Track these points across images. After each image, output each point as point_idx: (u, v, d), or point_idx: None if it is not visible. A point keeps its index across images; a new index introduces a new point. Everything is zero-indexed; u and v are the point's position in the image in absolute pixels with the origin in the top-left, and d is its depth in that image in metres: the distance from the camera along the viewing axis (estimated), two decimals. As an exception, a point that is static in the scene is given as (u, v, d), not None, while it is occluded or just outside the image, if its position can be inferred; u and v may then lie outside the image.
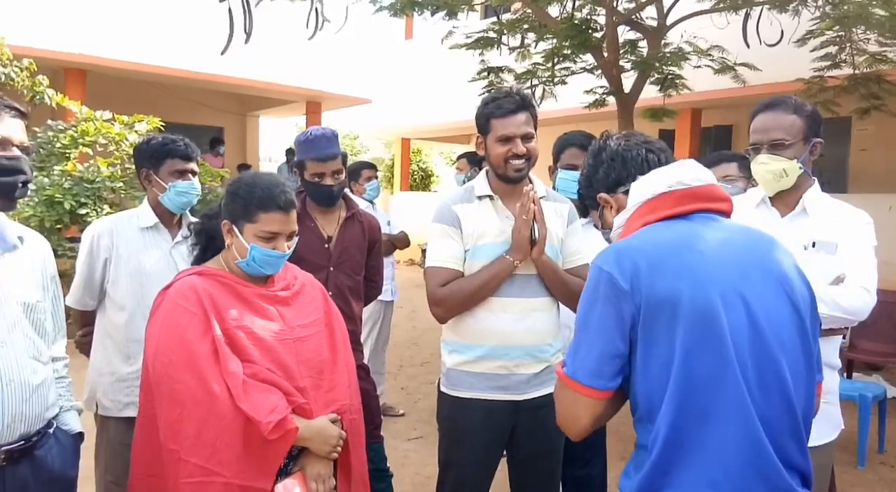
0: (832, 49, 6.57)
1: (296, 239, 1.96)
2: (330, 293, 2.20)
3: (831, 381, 2.17)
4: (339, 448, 1.88)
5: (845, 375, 5.57)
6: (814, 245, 2.11)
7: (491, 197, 2.35)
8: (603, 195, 1.57)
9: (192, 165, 2.61)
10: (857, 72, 6.63)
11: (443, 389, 2.39)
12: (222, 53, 7.34)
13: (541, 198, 2.33)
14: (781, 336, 1.29)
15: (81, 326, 2.65)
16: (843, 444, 4.39)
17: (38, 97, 7.09)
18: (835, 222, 2.14)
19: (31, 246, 1.75)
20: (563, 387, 1.39)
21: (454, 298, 2.27)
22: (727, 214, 1.44)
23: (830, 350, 2.16)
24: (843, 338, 5.70)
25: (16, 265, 1.66)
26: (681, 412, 1.25)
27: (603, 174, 1.56)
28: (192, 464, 1.69)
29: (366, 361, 4.49)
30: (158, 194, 2.56)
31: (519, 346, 2.27)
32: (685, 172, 1.42)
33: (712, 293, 1.26)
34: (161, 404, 1.73)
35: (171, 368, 1.71)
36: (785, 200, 2.20)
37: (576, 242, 2.41)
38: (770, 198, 2.24)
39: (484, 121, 2.32)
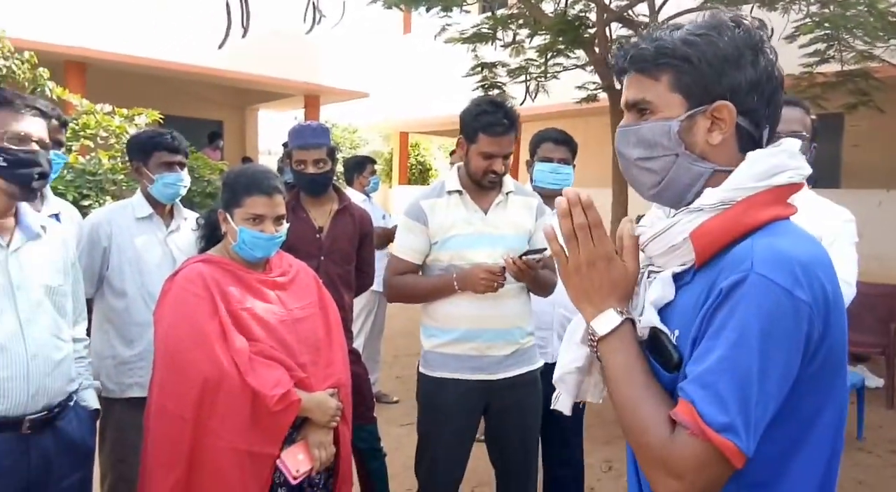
0: (821, 46, 6.67)
1: (285, 225, 2.10)
2: (321, 281, 2.33)
3: None
4: (337, 418, 2.05)
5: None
6: None
7: (460, 192, 2.49)
8: (728, 105, 1.06)
9: (180, 157, 2.72)
10: (844, 68, 6.73)
11: (421, 369, 2.57)
12: (219, 47, 7.43)
13: (508, 192, 2.48)
14: None
15: None
16: (821, 430, 4.55)
17: (39, 90, 7.19)
18: (819, 219, 2.25)
19: (55, 235, 1.91)
20: (723, 463, 0.95)
21: (399, 291, 2.52)
22: None
23: None
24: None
25: (39, 251, 1.83)
26: (824, 485, 1.02)
27: (748, 82, 1.06)
28: (209, 428, 1.84)
29: (361, 349, 4.65)
30: (147, 185, 2.67)
31: (490, 329, 2.41)
32: (800, 160, 1.08)
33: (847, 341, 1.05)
34: (174, 379, 1.87)
35: (184, 347, 1.86)
36: None
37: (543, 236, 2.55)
38: None
39: (471, 130, 2.43)
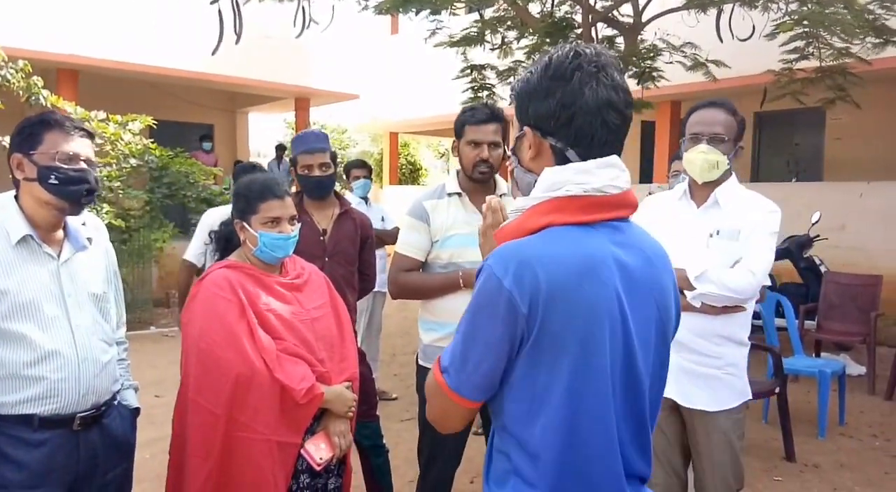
0: (800, 43, 6.85)
1: (298, 225, 2.25)
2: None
3: (737, 356, 2.44)
4: (353, 409, 2.22)
5: (814, 354, 5.89)
6: (718, 233, 2.40)
7: (459, 194, 2.66)
8: (527, 130, 1.29)
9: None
10: (823, 64, 6.91)
11: (420, 362, 2.75)
12: (213, 53, 7.54)
13: (501, 195, 2.64)
14: (647, 348, 1.28)
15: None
16: (805, 417, 4.73)
17: (33, 98, 7.27)
18: (741, 212, 2.41)
19: (99, 246, 2.04)
20: (442, 395, 1.27)
21: (406, 287, 2.68)
22: (628, 217, 1.32)
23: (737, 328, 2.43)
24: (813, 320, 5.97)
25: (86, 262, 1.96)
26: (567, 449, 1.21)
27: (545, 111, 1.25)
28: (239, 423, 1.99)
29: (360, 347, 4.78)
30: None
31: None
32: (604, 176, 1.24)
33: (602, 330, 1.20)
34: (208, 377, 2.02)
35: (216, 346, 2.01)
36: (702, 193, 2.48)
37: None
38: (690, 191, 2.52)
39: (459, 126, 2.65)
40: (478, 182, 2.65)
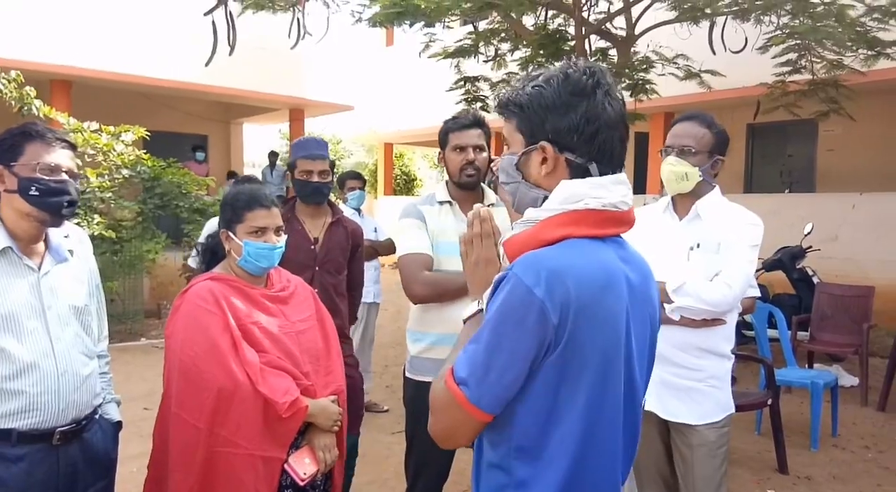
0: (792, 55, 6.89)
1: (284, 236, 2.22)
2: (315, 291, 2.45)
3: (719, 369, 2.42)
4: (339, 423, 2.18)
5: (806, 365, 5.88)
6: (698, 246, 2.40)
7: (450, 202, 2.66)
8: (547, 145, 1.27)
9: None
10: (815, 77, 6.95)
11: (407, 374, 2.71)
12: (206, 65, 7.54)
13: (490, 205, 2.62)
14: (642, 362, 1.31)
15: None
16: (798, 428, 4.71)
17: (26, 109, 7.25)
18: (723, 224, 2.40)
19: (80, 259, 2.02)
20: (457, 408, 1.21)
21: (437, 284, 2.52)
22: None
23: (719, 340, 2.42)
24: (805, 331, 5.99)
25: (67, 274, 1.94)
26: (580, 460, 1.21)
27: (567, 125, 1.25)
28: (221, 437, 1.96)
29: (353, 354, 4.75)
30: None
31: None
32: (618, 192, 1.26)
33: (619, 343, 1.22)
34: (190, 390, 1.98)
35: (198, 359, 1.98)
36: (684, 205, 2.49)
37: None
38: (674, 204, 2.52)
39: (443, 135, 2.66)
40: (466, 189, 2.65)
